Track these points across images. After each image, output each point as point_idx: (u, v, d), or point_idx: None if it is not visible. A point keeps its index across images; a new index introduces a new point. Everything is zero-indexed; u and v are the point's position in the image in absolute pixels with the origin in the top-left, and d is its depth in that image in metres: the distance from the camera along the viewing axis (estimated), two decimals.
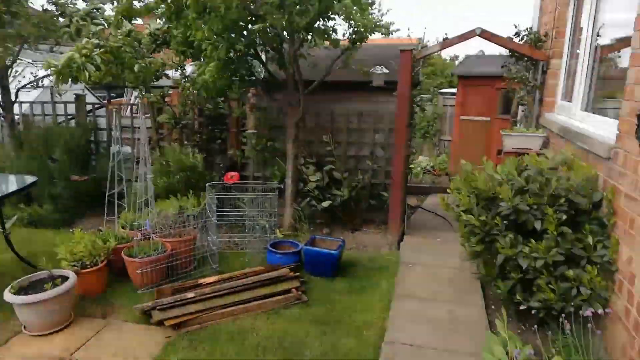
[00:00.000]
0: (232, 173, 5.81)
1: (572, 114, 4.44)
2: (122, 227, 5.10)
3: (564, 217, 3.20)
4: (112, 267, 4.63)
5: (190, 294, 4.10)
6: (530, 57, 5.31)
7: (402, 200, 6.00)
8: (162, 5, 5.06)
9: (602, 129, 3.57)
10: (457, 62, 16.42)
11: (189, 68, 6.68)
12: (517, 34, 5.39)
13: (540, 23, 5.60)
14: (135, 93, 6.95)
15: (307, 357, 3.54)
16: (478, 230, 3.59)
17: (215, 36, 4.81)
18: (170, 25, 5.22)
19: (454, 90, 10.76)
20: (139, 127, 6.69)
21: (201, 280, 4.46)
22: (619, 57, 3.90)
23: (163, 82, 6.88)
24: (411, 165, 8.19)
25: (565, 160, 3.59)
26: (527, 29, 5.47)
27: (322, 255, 4.84)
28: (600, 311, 2.98)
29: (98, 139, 7.30)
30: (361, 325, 3.98)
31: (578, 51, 4.43)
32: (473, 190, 3.71)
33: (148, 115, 6.82)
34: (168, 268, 4.63)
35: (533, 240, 3.31)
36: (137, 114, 6.95)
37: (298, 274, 4.73)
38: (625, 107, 3.03)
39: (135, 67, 5.25)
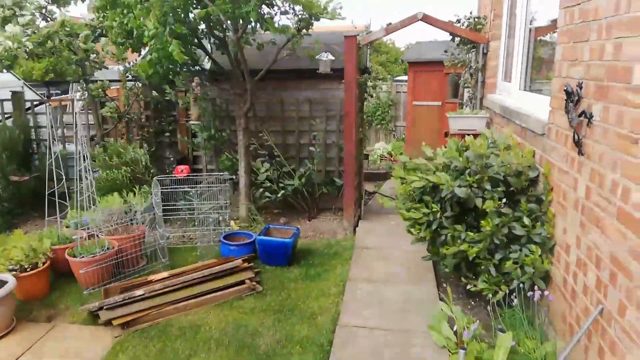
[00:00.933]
0: (182, 166, 5.68)
1: (511, 93, 4.57)
2: (67, 227, 4.90)
3: (502, 195, 3.28)
4: (57, 268, 4.46)
5: (139, 292, 3.99)
6: (470, 40, 5.41)
7: (356, 186, 6.04)
8: None
9: (538, 106, 3.68)
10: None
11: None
12: (458, 20, 5.47)
13: (480, 6, 5.72)
14: (77, 87, 6.68)
15: (261, 347, 3.51)
16: (422, 220, 3.65)
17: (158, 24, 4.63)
18: (106, 15, 4.97)
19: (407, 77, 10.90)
20: (83, 124, 6.45)
21: (151, 277, 4.34)
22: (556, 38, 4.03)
23: (104, 75, 6.63)
24: (366, 152, 8.25)
25: (503, 140, 3.68)
26: (469, 13, 5.57)
27: (276, 245, 4.81)
28: (542, 291, 3.09)
29: (39, 137, 6.97)
30: (316, 311, 3.99)
31: (515, 32, 4.54)
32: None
33: (90, 110, 6.57)
34: (115, 266, 4.49)
35: (472, 233, 3.38)
36: (82, 110, 6.68)
37: (252, 264, 4.69)
38: (555, 84, 3.13)
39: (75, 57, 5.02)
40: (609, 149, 2.38)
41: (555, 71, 3.15)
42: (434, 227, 3.62)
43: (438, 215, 3.57)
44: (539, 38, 4.26)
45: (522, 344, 3.03)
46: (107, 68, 6.20)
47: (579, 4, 2.82)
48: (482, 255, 3.39)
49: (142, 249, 4.78)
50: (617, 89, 2.31)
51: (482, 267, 3.47)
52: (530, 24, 4.33)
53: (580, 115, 2.67)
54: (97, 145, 6.47)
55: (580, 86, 2.72)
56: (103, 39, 5.88)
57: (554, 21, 3.95)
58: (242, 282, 4.33)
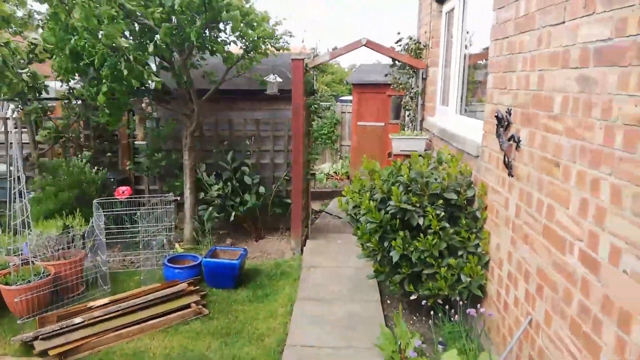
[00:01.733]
0: (123, 188, 5.50)
1: (449, 117, 4.84)
2: None
3: (443, 213, 3.46)
4: None
5: (77, 319, 3.82)
6: (411, 66, 5.69)
7: (304, 206, 6.10)
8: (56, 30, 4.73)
9: (472, 130, 3.92)
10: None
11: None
12: (399, 42, 5.74)
13: (419, 33, 6.04)
14: (12, 106, 6.36)
15: None
16: (377, 227, 3.76)
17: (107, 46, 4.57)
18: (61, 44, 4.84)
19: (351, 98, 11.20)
20: (17, 143, 6.12)
21: (91, 304, 4.17)
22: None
23: (45, 94, 6.37)
24: (313, 171, 8.36)
25: (443, 160, 3.89)
26: (409, 37, 5.86)
27: (223, 266, 4.76)
28: (479, 303, 3.26)
29: None
30: (263, 333, 3.98)
31: (451, 60, 4.84)
32: (371, 192, 3.89)
33: (25, 129, 6.27)
34: (53, 293, 4.27)
35: (422, 235, 3.53)
36: (15, 128, 6.35)
37: (198, 287, 4.61)
38: (487, 109, 3.37)
39: (21, 77, 4.81)
40: (535, 171, 2.59)
41: (488, 97, 3.39)
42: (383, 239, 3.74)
43: (387, 228, 3.70)
44: (476, 62, 4.55)
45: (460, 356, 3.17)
46: (47, 92, 5.95)
47: (507, 37, 3.07)
48: (425, 257, 3.51)
49: (81, 275, 4.58)
50: (541, 116, 2.54)
51: (424, 278, 3.61)
52: (466, 49, 4.62)
53: (509, 140, 2.89)
54: (31, 167, 6.17)
55: (509, 112, 2.95)
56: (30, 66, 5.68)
57: (487, 49, 4.26)
58: (188, 306, 4.25)
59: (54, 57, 5.16)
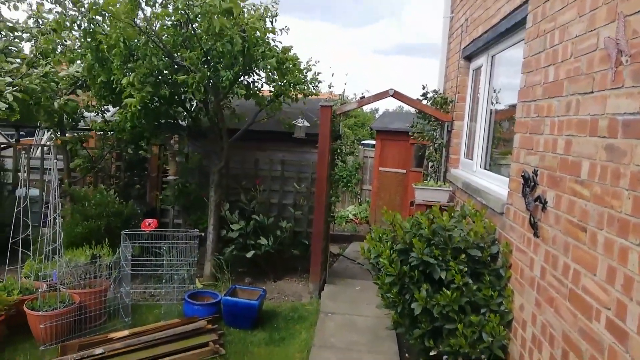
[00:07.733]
0: (150, 220, 5.64)
1: (472, 170, 4.90)
2: (26, 277, 4.74)
3: (465, 268, 3.47)
4: (12, 321, 4.26)
5: (98, 350, 3.87)
6: (436, 118, 5.83)
7: (323, 249, 6.13)
8: (88, 55, 5.07)
9: (497, 185, 3.97)
10: (376, 116, 17.47)
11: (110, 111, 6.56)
12: (424, 95, 5.91)
13: (445, 87, 6.20)
14: (48, 133, 6.68)
15: None
16: (396, 279, 3.77)
17: (140, 83, 4.84)
18: (93, 71, 5.17)
19: (374, 142, 11.37)
20: (49, 169, 6.37)
21: (112, 335, 4.23)
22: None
23: (82, 125, 6.67)
24: (333, 214, 8.42)
25: (466, 214, 3.92)
26: (434, 90, 6.02)
27: (242, 306, 4.78)
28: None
29: (3, 181, 6.81)
30: None
31: (477, 115, 4.95)
32: (392, 243, 3.92)
33: (60, 157, 6.53)
34: (76, 322, 4.34)
35: (445, 290, 3.52)
36: (48, 154, 6.65)
37: (216, 326, 4.63)
38: (513, 168, 3.43)
39: (55, 104, 5.11)
40: (561, 234, 2.62)
41: (514, 156, 3.46)
42: (404, 292, 3.74)
43: (407, 281, 3.71)
44: (502, 118, 4.65)
45: None
46: (83, 118, 6.25)
47: (535, 100, 3.16)
48: (448, 312, 3.48)
49: (104, 305, 4.66)
50: (568, 180, 2.59)
51: (445, 334, 3.58)
52: (493, 105, 4.72)
53: (536, 200, 2.93)
54: (62, 194, 6.39)
55: (535, 173, 3.01)
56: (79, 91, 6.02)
57: (513, 106, 4.35)
58: (206, 344, 4.26)
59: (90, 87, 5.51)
